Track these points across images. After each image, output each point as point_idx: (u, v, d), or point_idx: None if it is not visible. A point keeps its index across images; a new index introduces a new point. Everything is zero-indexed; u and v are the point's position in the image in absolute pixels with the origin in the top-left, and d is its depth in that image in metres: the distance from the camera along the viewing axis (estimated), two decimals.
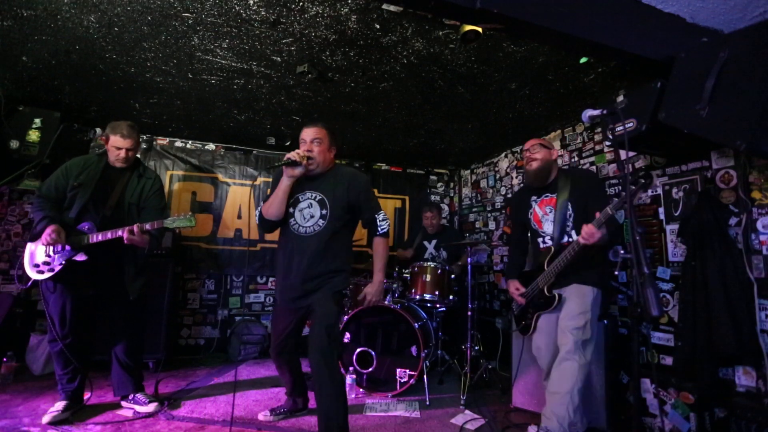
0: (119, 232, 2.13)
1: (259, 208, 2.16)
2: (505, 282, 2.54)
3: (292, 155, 1.97)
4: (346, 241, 2.14)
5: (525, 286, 2.40)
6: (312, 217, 2.05)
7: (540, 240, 2.33)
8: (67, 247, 2.16)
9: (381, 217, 2.13)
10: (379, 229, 2.12)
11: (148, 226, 2.15)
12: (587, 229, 1.91)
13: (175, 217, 2.16)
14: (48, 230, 2.08)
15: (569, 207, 2.19)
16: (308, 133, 2.09)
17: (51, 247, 2.16)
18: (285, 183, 2.02)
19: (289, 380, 2.40)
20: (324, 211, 2.04)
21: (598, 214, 1.90)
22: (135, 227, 2.10)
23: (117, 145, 2.32)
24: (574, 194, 2.19)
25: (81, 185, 2.27)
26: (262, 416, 2.40)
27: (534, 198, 2.37)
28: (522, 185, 2.65)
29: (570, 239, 2.19)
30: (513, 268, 2.53)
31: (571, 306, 2.11)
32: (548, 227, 2.28)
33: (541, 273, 2.24)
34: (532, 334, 2.34)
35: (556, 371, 2.06)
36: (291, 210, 2.09)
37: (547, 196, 2.31)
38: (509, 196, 4.16)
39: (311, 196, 2.08)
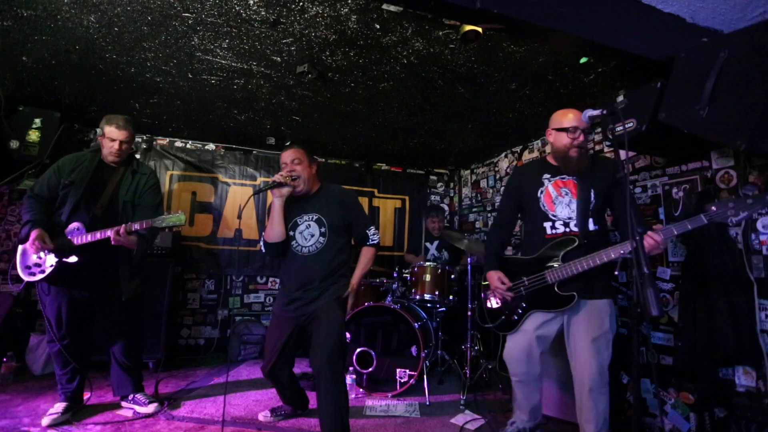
0: (107, 233, 2.08)
1: (261, 238, 2.22)
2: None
3: (277, 177, 2.08)
4: (347, 251, 2.22)
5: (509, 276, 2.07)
6: (312, 236, 2.14)
7: (548, 225, 2.00)
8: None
9: (372, 231, 2.25)
10: (371, 239, 2.23)
11: (136, 226, 2.09)
12: (659, 239, 1.63)
13: (164, 216, 2.11)
14: (32, 237, 2.04)
15: (592, 194, 1.93)
16: (287, 156, 2.18)
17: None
18: (276, 204, 2.12)
19: (285, 395, 2.37)
20: (323, 229, 2.14)
21: (668, 230, 1.63)
22: (122, 228, 2.06)
23: (111, 136, 2.28)
24: (597, 181, 1.94)
25: (72, 183, 2.22)
26: (262, 416, 2.40)
27: (547, 176, 2.05)
28: (532, 161, 2.28)
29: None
30: (495, 256, 2.16)
31: (596, 322, 1.87)
32: (562, 211, 1.97)
33: (552, 266, 1.92)
34: (512, 334, 2.06)
35: (590, 404, 1.84)
36: (291, 233, 2.17)
37: (564, 178, 2.01)
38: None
39: (309, 217, 2.17)
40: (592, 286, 1.89)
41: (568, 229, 1.95)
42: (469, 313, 3.14)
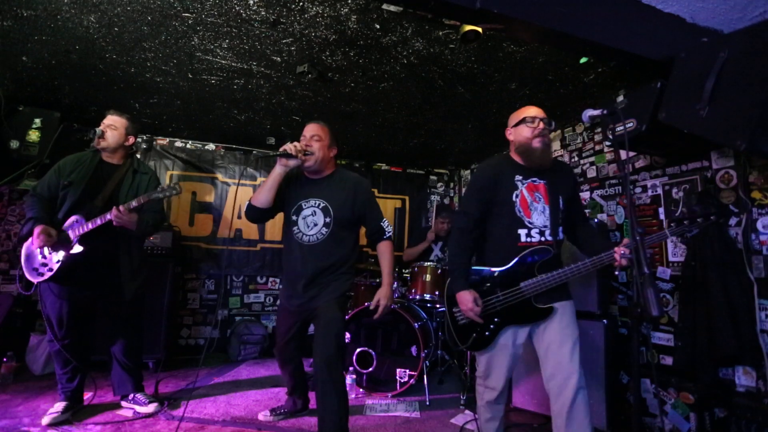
0: (107, 217, 2.11)
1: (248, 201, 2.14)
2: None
3: (288, 147, 1.96)
4: (350, 246, 2.11)
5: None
6: (315, 225, 2.03)
7: (523, 232, 1.82)
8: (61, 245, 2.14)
9: (386, 223, 2.13)
10: (386, 233, 2.12)
11: (134, 203, 2.12)
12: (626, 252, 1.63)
13: (161, 188, 2.17)
14: (36, 233, 2.06)
15: (560, 201, 1.86)
16: (309, 130, 2.09)
17: (46, 248, 2.14)
18: (277, 171, 2.00)
19: (290, 381, 2.41)
20: (327, 219, 2.02)
21: (619, 241, 1.65)
22: (122, 207, 2.09)
23: (103, 121, 2.34)
24: (562, 188, 1.87)
25: (72, 183, 2.23)
26: (262, 416, 2.40)
27: (519, 178, 1.87)
28: (497, 157, 2.06)
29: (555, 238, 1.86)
30: (465, 272, 1.85)
31: (570, 328, 1.76)
32: (538, 218, 1.83)
33: (529, 277, 1.76)
34: (488, 351, 1.84)
35: (575, 413, 1.65)
36: (294, 218, 2.07)
37: (535, 181, 1.87)
38: None
39: (315, 203, 2.05)
40: (559, 291, 1.79)
41: (543, 238, 1.81)
42: None
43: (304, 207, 2.07)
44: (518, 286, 1.77)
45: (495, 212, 1.87)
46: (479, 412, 1.93)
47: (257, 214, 2.09)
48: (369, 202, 2.12)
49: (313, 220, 2.04)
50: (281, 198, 2.12)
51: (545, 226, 1.82)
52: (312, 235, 2.03)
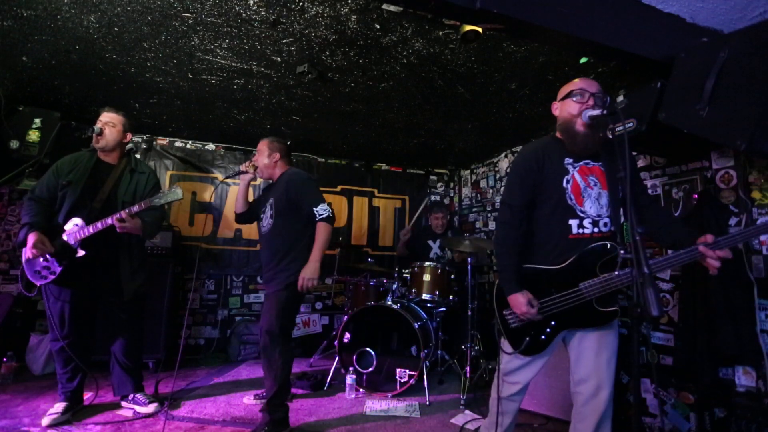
0: (108, 221, 2.12)
1: None
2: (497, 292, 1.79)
3: (241, 166, 2.46)
4: (294, 235, 2.31)
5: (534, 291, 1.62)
6: (270, 217, 2.37)
7: (574, 222, 1.61)
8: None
9: (322, 207, 2.26)
10: (317, 215, 2.25)
11: (135, 208, 2.13)
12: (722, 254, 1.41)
13: (162, 193, 2.17)
14: (29, 243, 2.07)
15: (620, 189, 1.61)
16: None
17: (47, 254, 2.15)
18: (240, 184, 2.53)
19: None
20: (272, 212, 2.35)
21: (709, 237, 1.43)
22: (123, 213, 2.10)
23: (100, 118, 2.35)
24: (622, 173, 1.42)
25: (70, 183, 2.23)
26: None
27: (570, 161, 1.65)
28: (544, 139, 1.80)
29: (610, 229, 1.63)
30: (516, 271, 1.64)
31: (611, 336, 1.61)
32: (591, 207, 1.61)
33: (590, 277, 1.53)
34: (537, 354, 1.66)
35: (603, 429, 1.57)
36: (261, 216, 2.45)
37: (588, 164, 1.65)
38: None
39: (270, 202, 2.39)
40: (611, 294, 1.56)
41: (597, 229, 1.60)
42: (469, 312, 3.14)
43: (265, 207, 2.43)
44: (577, 287, 1.55)
45: (541, 200, 1.67)
46: (493, 405, 1.81)
47: (239, 218, 2.61)
48: (301, 189, 2.30)
49: (269, 214, 2.38)
50: (257, 204, 2.57)
51: (599, 216, 1.62)
52: (264, 228, 2.39)
